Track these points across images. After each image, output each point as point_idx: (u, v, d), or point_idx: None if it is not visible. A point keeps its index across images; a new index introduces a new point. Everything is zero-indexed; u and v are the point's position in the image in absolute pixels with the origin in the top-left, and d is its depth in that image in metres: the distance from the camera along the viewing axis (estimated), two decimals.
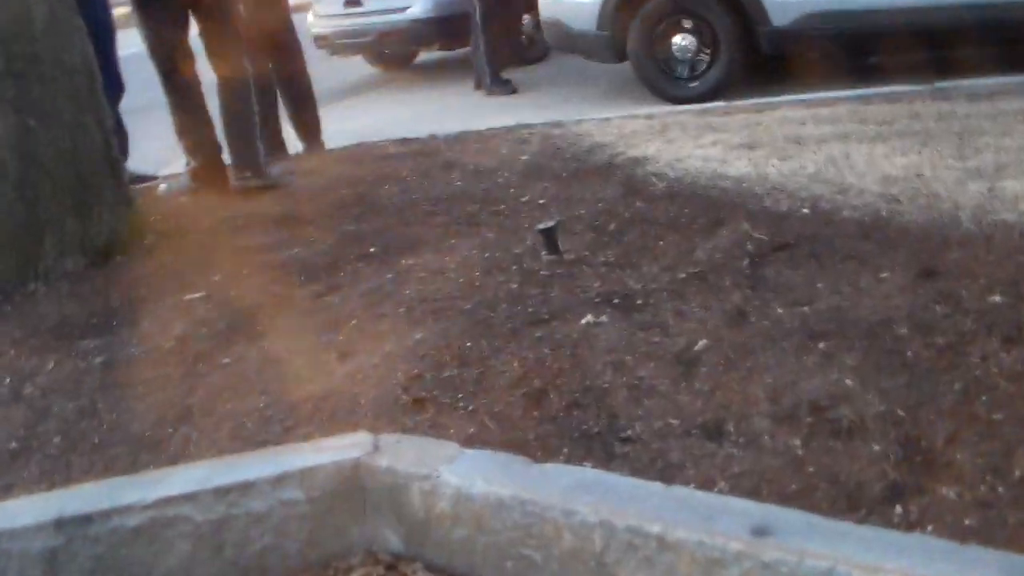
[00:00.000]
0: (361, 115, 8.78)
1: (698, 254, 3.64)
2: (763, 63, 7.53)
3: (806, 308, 3.17)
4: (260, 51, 5.92)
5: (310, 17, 10.65)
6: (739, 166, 4.70)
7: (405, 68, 11.29)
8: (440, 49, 10.79)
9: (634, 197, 4.37)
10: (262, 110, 5.97)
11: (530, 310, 3.40)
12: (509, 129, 6.24)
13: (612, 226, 4.03)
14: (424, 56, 11.51)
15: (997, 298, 3.08)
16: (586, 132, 5.92)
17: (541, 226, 3.75)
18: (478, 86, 9.14)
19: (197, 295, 3.91)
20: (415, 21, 9.72)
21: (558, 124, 6.23)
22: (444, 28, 9.79)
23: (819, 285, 3.32)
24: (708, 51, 7.40)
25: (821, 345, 2.93)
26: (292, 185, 5.22)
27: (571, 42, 8.12)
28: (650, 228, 3.95)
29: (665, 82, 7.59)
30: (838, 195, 4.16)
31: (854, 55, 7.28)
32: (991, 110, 5.24)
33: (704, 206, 4.14)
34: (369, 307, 3.61)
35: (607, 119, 6.36)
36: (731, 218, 3.95)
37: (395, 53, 10.99)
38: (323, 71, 10.54)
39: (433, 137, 6.26)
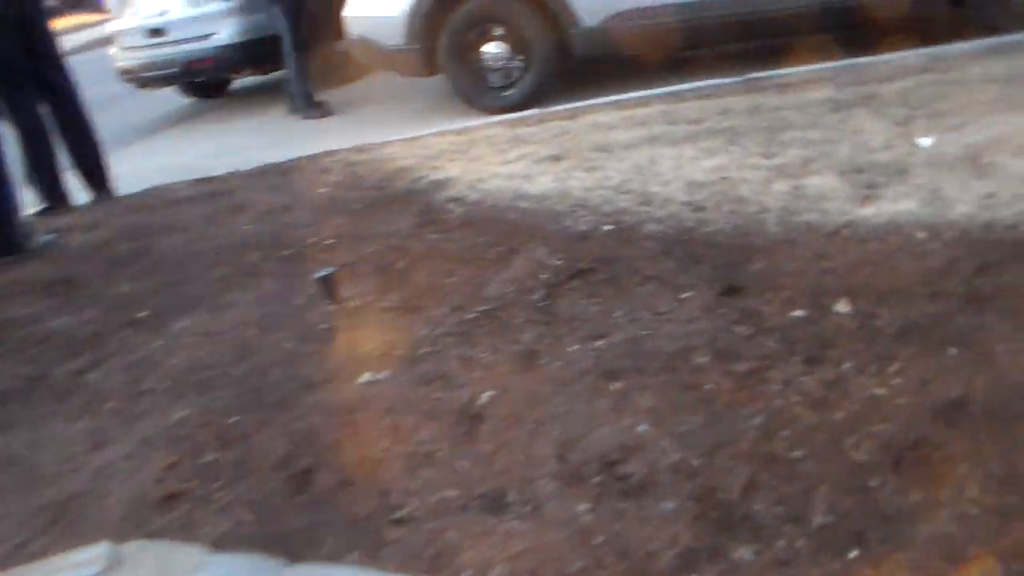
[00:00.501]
0: (171, 151, 8.30)
1: (490, 289, 3.35)
2: (579, 66, 7.31)
3: (601, 342, 2.90)
4: (29, 94, 5.43)
5: (113, 50, 10.07)
6: (543, 182, 4.44)
7: (220, 96, 10.78)
8: (252, 74, 10.32)
9: (429, 228, 4.07)
10: (36, 160, 5.51)
11: (305, 372, 3.07)
12: (312, 158, 5.89)
13: (401, 264, 3.72)
14: (241, 82, 11.03)
15: (799, 312, 2.87)
16: (391, 156, 5.61)
17: (318, 274, 3.41)
18: (293, 111, 8.73)
19: None
20: (222, 47, 9.23)
21: (363, 148, 5.90)
22: (253, 53, 9.32)
23: (616, 314, 3.06)
24: (521, 57, 7.12)
25: (615, 385, 2.66)
26: (64, 246, 4.76)
27: (382, 59, 7.78)
28: (441, 263, 3.65)
29: (480, 93, 7.30)
30: (642, 207, 3.92)
31: (667, 51, 7.12)
32: (799, 100, 5.10)
33: (501, 232, 3.86)
34: (131, 383, 3.24)
35: (416, 138, 6.06)
36: (528, 244, 3.67)
37: (207, 82, 10.46)
38: (131, 106, 10.08)
39: (232, 175, 5.86)
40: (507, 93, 7.17)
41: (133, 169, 7.32)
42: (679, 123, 5.11)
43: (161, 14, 9.40)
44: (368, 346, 3.14)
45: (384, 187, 4.89)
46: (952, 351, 2.56)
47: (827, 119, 4.66)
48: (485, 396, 2.73)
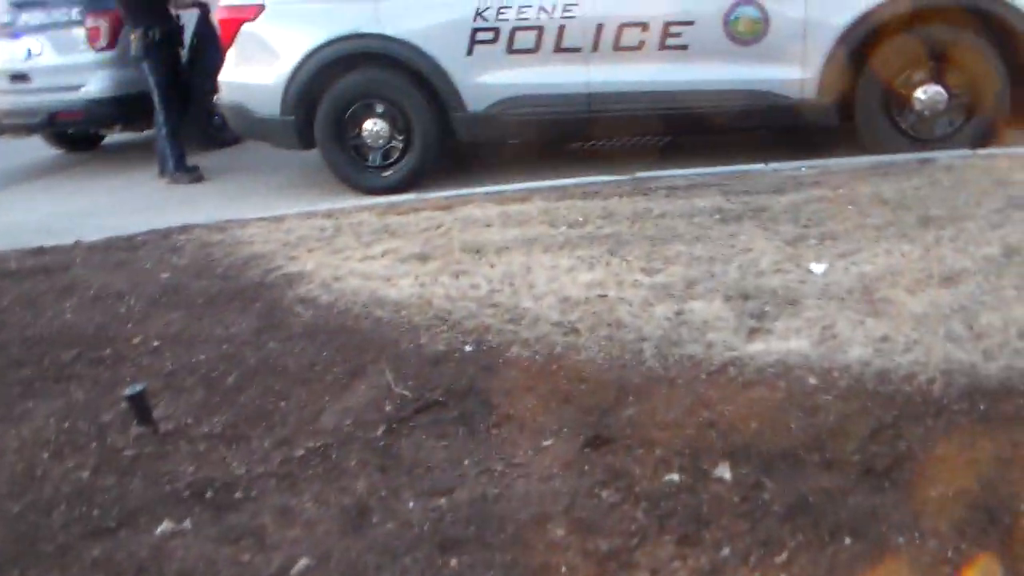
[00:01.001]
0: (25, 207, 7.68)
1: (325, 419, 2.92)
2: (465, 148, 6.96)
3: (444, 500, 2.48)
4: None
5: None
6: (404, 286, 4.03)
7: (91, 150, 10.17)
8: (123, 131, 9.74)
9: (270, 334, 3.62)
10: None
11: (96, 512, 2.60)
12: (167, 233, 5.40)
13: (231, 379, 3.26)
14: (117, 136, 10.41)
15: (674, 476, 2.49)
16: (248, 238, 5.14)
17: (128, 391, 2.93)
18: (161, 173, 8.18)
19: None
20: (91, 101, 8.67)
21: (221, 227, 5.42)
22: (125, 108, 8.78)
23: (466, 462, 2.65)
24: (401, 138, 6.74)
25: (452, 561, 2.23)
26: None
27: (255, 128, 7.30)
28: (276, 381, 3.20)
29: (356, 171, 6.88)
30: (509, 325, 3.53)
31: (555, 142, 6.83)
32: (687, 208, 4.80)
33: (348, 347, 3.43)
34: None
35: (280, 218, 5.60)
36: (376, 364, 3.26)
37: (76, 134, 9.86)
38: None
39: (74, 246, 5.33)
40: (386, 174, 6.78)
41: None
42: (559, 225, 4.76)
43: (26, 59, 8.81)
44: (175, 484, 2.67)
45: (232, 277, 4.43)
46: (846, 540, 2.20)
47: (715, 232, 4.36)
48: (300, 564, 2.29)
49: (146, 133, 9.62)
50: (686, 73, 5.97)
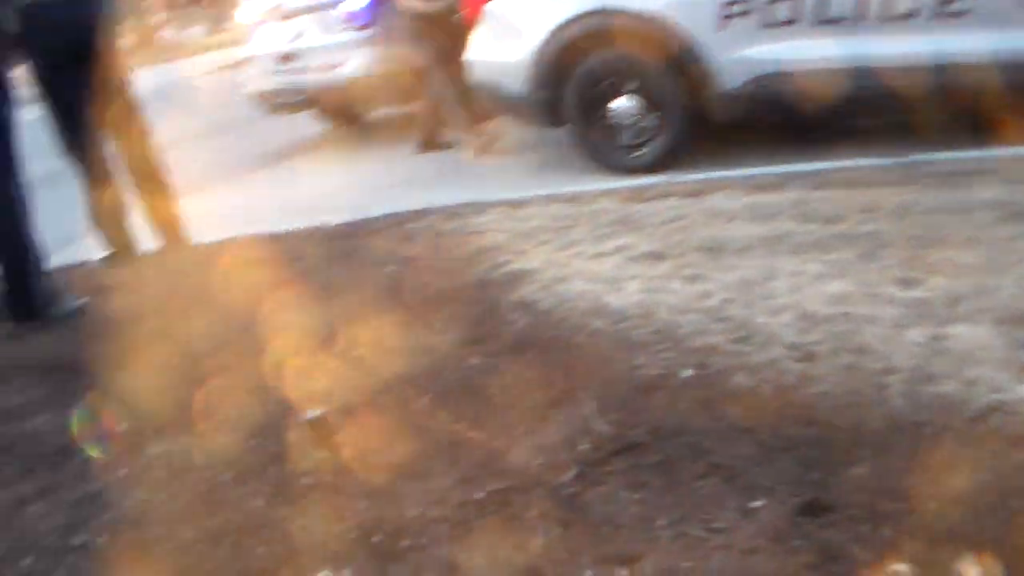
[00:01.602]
0: (288, 184, 7.84)
1: (513, 457, 2.63)
2: (722, 128, 6.49)
3: (626, 571, 2.13)
4: (97, 132, 4.97)
5: (247, 72, 9.75)
6: (630, 291, 3.70)
7: (357, 124, 10.31)
8: (380, 107, 9.81)
9: (477, 346, 3.37)
10: (100, 200, 5.06)
11: (260, 549, 2.41)
12: (401, 221, 5.27)
13: (425, 399, 3.04)
14: (387, 111, 10.50)
15: (904, 568, 2.04)
16: (484, 226, 4.95)
17: (309, 415, 2.74)
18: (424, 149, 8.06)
19: None
20: (350, 80, 8.74)
21: (458, 213, 5.26)
22: (381, 86, 8.80)
23: (660, 521, 2.30)
24: (653, 116, 6.35)
25: None
26: (89, 314, 4.24)
27: (505, 106, 7.12)
28: (471, 405, 2.95)
29: (606, 151, 6.55)
30: (737, 345, 3.14)
31: (818, 120, 6.25)
32: (963, 201, 4.20)
33: (556, 367, 3.14)
34: (66, 529, 2.62)
35: (521, 202, 5.39)
36: (581, 390, 2.93)
37: (342, 110, 10.02)
38: (264, 129, 9.73)
39: (312, 233, 5.29)
40: (636, 154, 6.41)
41: (244, 203, 7.27)
42: (812, 220, 4.28)
43: (293, 40, 8.99)
44: (344, 522, 2.45)
45: (455, 273, 4.23)
46: None
47: (992, 233, 3.77)
48: None
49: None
50: (968, 42, 5.27)
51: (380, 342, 3.50)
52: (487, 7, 6.80)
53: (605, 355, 3.18)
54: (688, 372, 3.00)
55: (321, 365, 3.37)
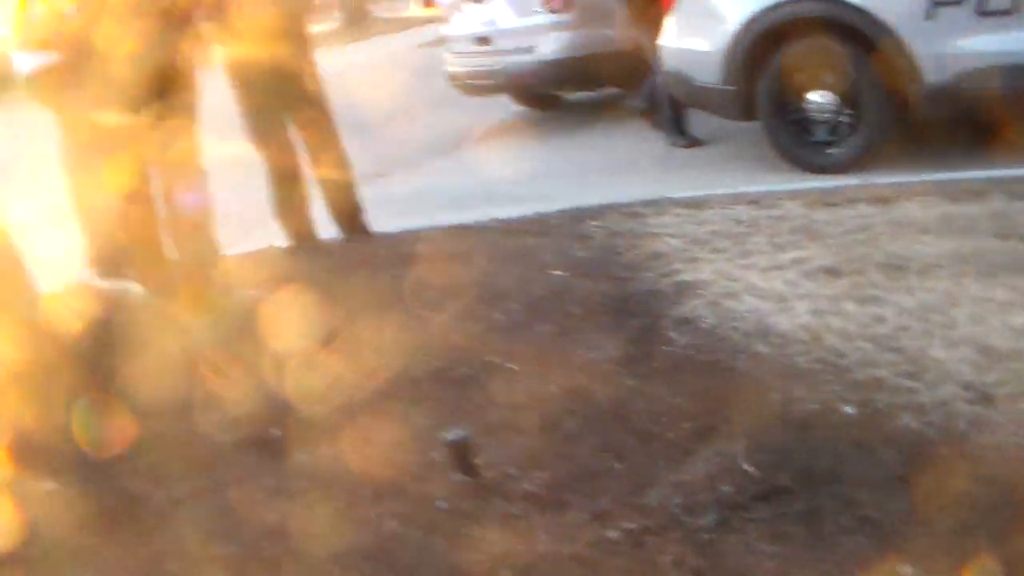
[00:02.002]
0: (476, 169, 7.85)
1: (652, 494, 2.55)
2: (922, 126, 6.14)
3: None
4: (279, 109, 5.08)
5: (444, 53, 9.85)
6: (799, 311, 3.53)
7: (554, 108, 10.27)
8: (573, 91, 9.73)
9: (632, 366, 3.28)
10: (283, 189, 5.18)
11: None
12: (579, 217, 5.20)
13: (571, 424, 2.97)
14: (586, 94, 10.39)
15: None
16: (660, 228, 4.84)
17: (450, 436, 2.71)
18: (656, 127, 7.78)
19: None
20: (544, 63, 8.70)
21: (637, 212, 5.15)
22: (578, 70, 8.73)
23: None
24: (850, 112, 6.05)
25: None
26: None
27: (695, 96, 6.93)
28: (616, 433, 2.87)
29: (798, 146, 6.29)
30: (907, 381, 2.95)
31: None
32: None
33: (709, 394, 3.02)
34: (211, 536, 2.68)
35: (703, 201, 5.25)
36: (732, 423, 2.80)
37: (540, 92, 9.99)
38: (459, 110, 9.80)
39: (490, 225, 5.28)
40: (830, 151, 6.13)
41: (429, 188, 7.39)
42: (1010, 237, 3.99)
43: (488, 23, 9.01)
44: (474, 553, 2.42)
45: (622, 281, 4.14)
46: None
47: None
48: None
49: (606, 92, 9.56)
50: None
51: (534, 357, 3.45)
52: None
53: (763, 384, 3.04)
54: (849, 409, 2.84)
55: (472, 379, 3.34)
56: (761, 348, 3.29)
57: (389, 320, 4.00)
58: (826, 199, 5.00)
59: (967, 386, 2.87)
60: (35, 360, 3.52)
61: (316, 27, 21.58)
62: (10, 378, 3.33)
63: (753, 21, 6.15)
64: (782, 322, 3.46)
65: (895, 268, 3.83)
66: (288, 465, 3.01)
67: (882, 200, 4.80)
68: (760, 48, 6.18)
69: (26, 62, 4.55)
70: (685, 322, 3.59)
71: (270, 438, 3.18)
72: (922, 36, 5.55)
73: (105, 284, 4.96)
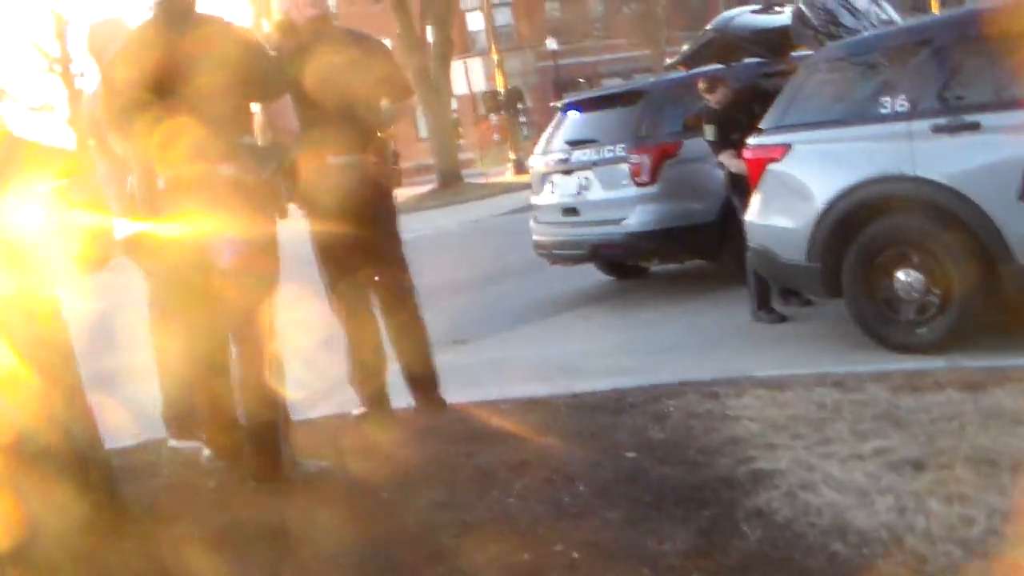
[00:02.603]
0: (559, 340, 7.82)
1: None
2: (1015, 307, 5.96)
3: None
4: (360, 274, 5.13)
5: (531, 223, 9.96)
6: (879, 508, 3.36)
7: (640, 278, 10.27)
8: (661, 263, 9.72)
9: (699, 560, 3.13)
10: (359, 353, 5.18)
11: None
12: (656, 396, 5.11)
13: None
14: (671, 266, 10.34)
15: None
16: (739, 410, 4.71)
17: None
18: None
19: None
20: (631, 235, 8.71)
21: (716, 393, 5.03)
22: (664, 242, 8.73)
23: None
24: (938, 291, 5.91)
25: None
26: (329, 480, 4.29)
27: (780, 273, 6.85)
28: None
29: (884, 325, 6.14)
30: None
31: None
32: None
33: None
34: None
35: (784, 382, 5.12)
36: None
37: (626, 263, 10.01)
38: (544, 279, 9.85)
39: (567, 401, 5.20)
40: (918, 331, 5.99)
41: (510, 357, 7.34)
42: None
43: (576, 194, 9.11)
44: None
45: (696, 467, 4.00)
46: None
47: None
48: None
49: (690, 264, 9.54)
50: None
51: (599, 546, 3.31)
52: (770, 168, 6.62)
53: None
54: None
55: (534, 568, 3.21)
56: (838, 547, 3.12)
57: (454, 499, 3.92)
58: (912, 383, 4.84)
59: None
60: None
61: (409, 190, 22.18)
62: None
63: (840, 199, 6.12)
64: (861, 519, 3.29)
65: (985, 464, 3.65)
66: None
67: (971, 386, 4.63)
68: (846, 226, 6.12)
69: (124, 228, 4.69)
70: (759, 514, 3.43)
71: None
72: (1014, 216, 5.46)
73: (177, 444, 4.99)
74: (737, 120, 7.23)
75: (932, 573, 2.90)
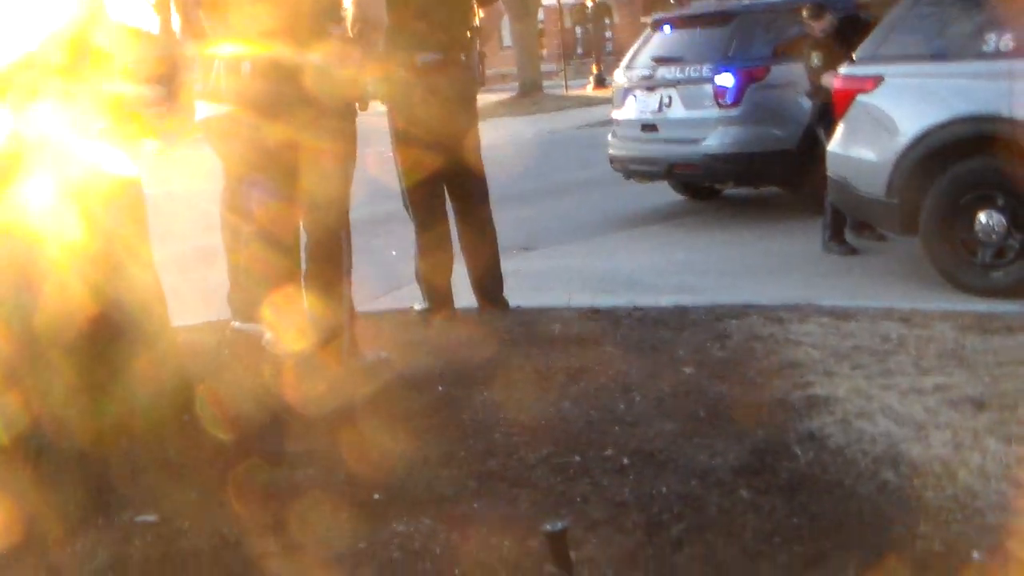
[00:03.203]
0: (627, 255, 7.81)
1: None
2: None
3: None
4: (437, 173, 5.15)
5: (609, 136, 9.90)
6: (935, 442, 3.34)
7: (713, 199, 10.19)
8: (736, 187, 9.62)
9: (751, 477, 3.15)
10: (428, 252, 5.23)
11: None
12: (719, 315, 5.10)
13: (675, 529, 2.85)
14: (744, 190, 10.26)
15: None
16: (801, 336, 4.69)
17: (548, 527, 2.63)
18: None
19: None
20: (708, 156, 8.63)
21: (781, 317, 5.00)
22: (741, 166, 8.64)
23: None
24: (1019, 236, 5.80)
25: None
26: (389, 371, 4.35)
27: (857, 207, 6.76)
28: (721, 544, 2.76)
29: (960, 267, 6.05)
30: None
31: None
32: None
33: (823, 519, 2.89)
34: None
35: (850, 313, 5.07)
36: (846, 552, 2.66)
37: (698, 184, 9.92)
38: (618, 194, 9.82)
39: (629, 311, 5.22)
40: (994, 274, 5.89)
41: (576, 267, 7.30)
42: None
43: (657, 111, 9.01)
44: None
45: (755, 387, 4.00)
46: None
47: None
48: None
49: (765, 189, 9.44)
50: None
51: (650, 455, 3.34)
52: (858, 99, 6.50)
53: (884, 515, 2.87)
54: (976, 555, 2.65)
55: (583, 470, 3.26)
56: (889, 476, 3.12)
57: (511, 399, 3.96)
58: (982, 324, 4.78)
59: None
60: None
61: (489, 96, 22.06)
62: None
63: (925, 136, 6.02)
64: (915, 451, 3.28)
65: None
66: (386, 532, 2.95)
67: None
68: (930, 163, 6.01)
69: (203, 110, 4.72)
70: (813, 438, 3.44)
71: (371, 501, 3.14)
72: None
73: (241, 326, 5.06)
74: (839, 50, 7.08)
75: (982, 509, 2.88)
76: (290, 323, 4.43)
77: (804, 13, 7.46)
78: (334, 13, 4.47)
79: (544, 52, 37.86)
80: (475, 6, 5.25)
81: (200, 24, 4.73)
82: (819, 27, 7.35)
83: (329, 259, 4.30)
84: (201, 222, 6.65)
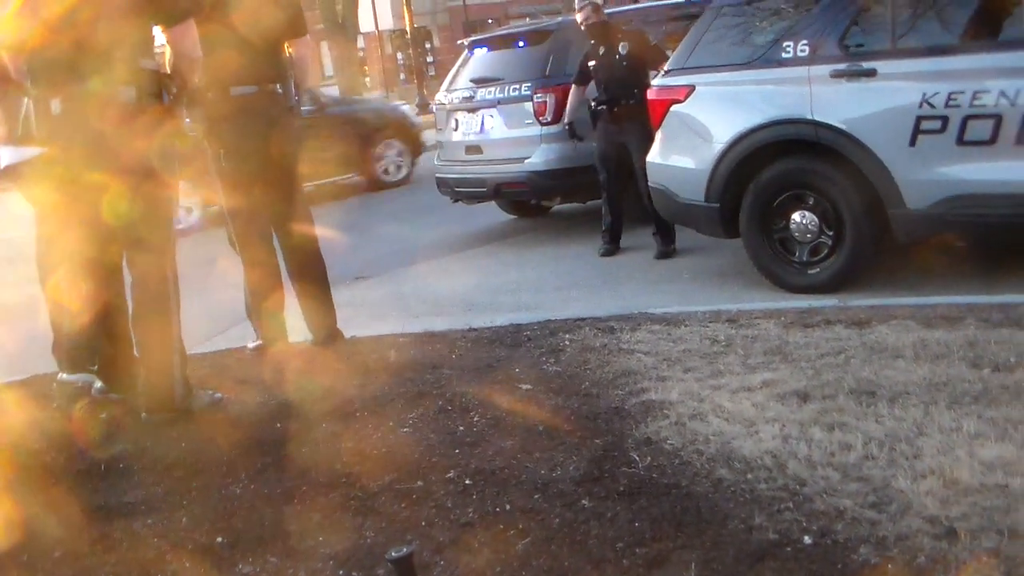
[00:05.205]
0: (460, 276, 7.83)
1: None
2: (902, 250, 6.13)
3: None
4: (264, 211, 5.08)
5: (435, 160, 9.93)
6: (764, 436, 3.46)
7: (540, 216, 10.32)
8: (563, 202, 9.76)
9: (591, 486, 3.21)
10: (259, 289, 5.14)
11: None
12: (553, 330, 5.16)
13: (521, 545, 2.87)
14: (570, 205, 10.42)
15: None
16: (633, 345, 4.79)
17: (393, 553, 2.62)
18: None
19: None
20: (534, 173, 8.73)
21: (611, 328, 5.11)
22: (567, 181, 8.76)
23: None
24: (832, 233, 6.06)
25: None
26: (220, 412, 4.26)
27: (678, 213, 6.94)
28: (567, 556, 2.79)
29: (779, 266, 6.28)
30: (869, 512, 2.87)
31: (1011, 248, 5.84)
32: None
33: (665, 520, 2.94)
34: None
35: (679, 319, 5.22)
36: (684, 551, 2.73)
37: (526, 202, 10.03)
38: (446, 217, 9.85)
39: (464, 334, 5.24)
40: (811, 271, 6.14)
41: (409, 292, 7.34)
42: (983, 365, 3.95)
43: (480, 132, 9.08)
44: None
45: (590, 398, 4.07)
46: None
47: None
48: None
49: (592, 203, 9.60)
50: None
51: (492, 473, 3.35)
52: (673, 109, 6.68)
53: (721, 510, 2.95)
54: (807, 539, 2.75)
55: (426, 494, 3.25)
56: (723, 473, 3.21)
57: (350, 430, 3.94)
58: (803, 320, 4.97)
59: (930, 519, 2.79)
60: None
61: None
62: None
63: (737, 141, 6.22)
64: (747, 447, 3.38)
65: (866, 394, 3.78)
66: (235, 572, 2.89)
67: (858, 323, 4.78)
68: (744, 167, 6.23)
69: (8, 155, 4.53)
70: (650, 443, 3.51)
71: (215, 545, 3.06)
72: (905, 162, 5.58)
73: (69, 377, 4.86)
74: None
75: (810, 496, 2.99)
76: (120, 370, 4.29)
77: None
78: (146, 48, 4.35)
79: (367, 80, 37.75)
80: (283, 41, 5.19)
81: (2, 65, 4.55)
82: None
83: (155, 300, 4.18)
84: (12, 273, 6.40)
